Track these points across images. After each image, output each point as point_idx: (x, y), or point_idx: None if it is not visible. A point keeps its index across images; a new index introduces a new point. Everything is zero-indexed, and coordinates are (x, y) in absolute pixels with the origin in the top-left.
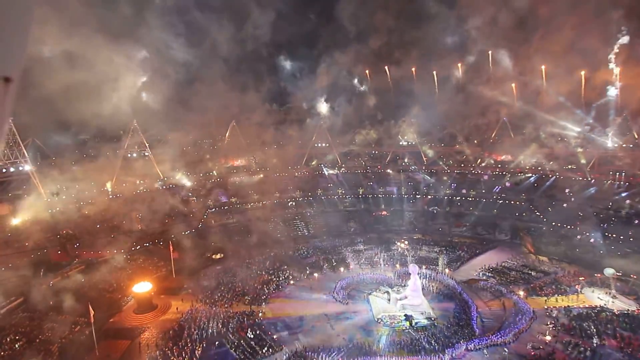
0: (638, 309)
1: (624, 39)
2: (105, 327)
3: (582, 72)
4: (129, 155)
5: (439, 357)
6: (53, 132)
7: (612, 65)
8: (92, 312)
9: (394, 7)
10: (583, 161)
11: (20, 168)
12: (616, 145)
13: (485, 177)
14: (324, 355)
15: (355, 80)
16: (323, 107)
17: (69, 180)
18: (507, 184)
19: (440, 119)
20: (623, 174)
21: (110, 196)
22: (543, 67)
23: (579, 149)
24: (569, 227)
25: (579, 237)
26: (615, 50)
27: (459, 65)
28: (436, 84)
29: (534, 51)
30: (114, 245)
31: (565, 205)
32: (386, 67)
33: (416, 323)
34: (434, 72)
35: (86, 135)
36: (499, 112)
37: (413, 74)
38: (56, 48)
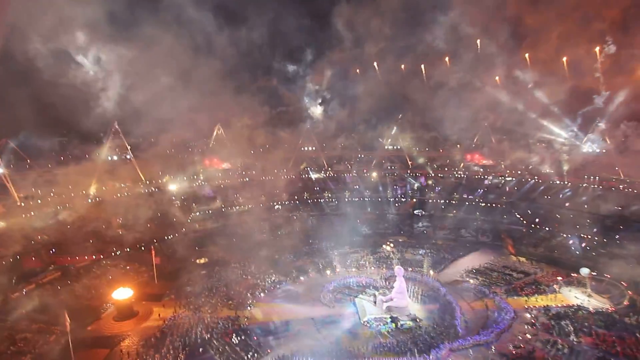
0: (612, 307)
1: (610, 48)
2: (83, 336)
3: (565, 58)
4: (109, 158)
5: (424, 358)
6: (29, 133)
7: (598, 74)
8: (68, 321)
9: (388, 12)
10: (565, 167)
11: None
12: (591, 150)
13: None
14: (310, 359)
15: (346, 82)
16: (316, 110)
17: (45, 184)
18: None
19: (426, 121)
20: (597, 178)
21: (90, 200)
22: (529, 73)
23: (565, 156)
24: (547, 229)
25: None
26: (601, 59)
27: (446, 59)
28: (424, 77)
29: (521, 59)
30: (93, 250)
31: (544, 208)
32: (375, 64)
33: (402, 325)
34: (422, 66)
35: (64, 137)
36: (485, 116)
37: (402, 71)
38: (37, 46)
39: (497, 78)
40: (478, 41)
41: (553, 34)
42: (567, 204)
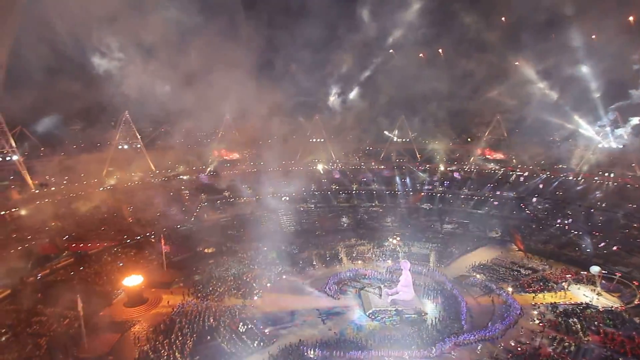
0: (621, 306)
1: None
2: (95, 320)
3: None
4: (120, 147)
5: (428, 351)
6: (43, 121)
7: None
8: (80, 305)
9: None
10: (586, 166)
11: (8, 158)
12: (607, 146)
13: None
14: (315, 350)
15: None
16: (334, 102)
17: (59, 171)
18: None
19: (440, 114)
20: (612, 174)
21: (101, 188)
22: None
23: (590, 154)
24: (557, 225)
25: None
26: None
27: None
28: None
29: (554, 50)
30: (104, 237)
31: (555, 203)
32: (391, 51)
33: (407, 318)
34: (440, 51)
35: (77, 125)
36: (505, 109)
37: (422, 61)
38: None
39: (516, 63)
40: (503, 19)
41: (587, 22)
42: (579, 200)
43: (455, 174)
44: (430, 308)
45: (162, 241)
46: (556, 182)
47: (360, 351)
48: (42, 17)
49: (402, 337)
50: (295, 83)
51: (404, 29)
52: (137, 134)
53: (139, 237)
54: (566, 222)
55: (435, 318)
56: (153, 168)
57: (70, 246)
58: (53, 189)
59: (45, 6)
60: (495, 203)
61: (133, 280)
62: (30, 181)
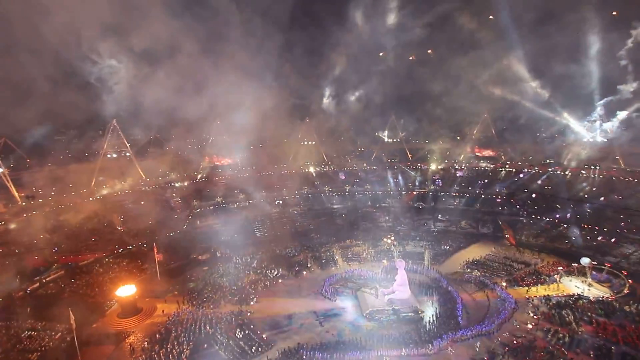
0: (612, 296)
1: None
2: (88, 333)
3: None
4: (108, 155)
5: (426, 348)
6: (28, 131)
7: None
8: (73, 318)
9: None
10: (574, 160)
11: None
12: (593, 140)
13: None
14: (313, 352)
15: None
16: (327, 104)
17: (46, 182)
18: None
19: (432, 113)
20: (598, 167)
21: (91, 198)
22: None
23: (582, 150)
24: (547, 219)
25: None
26: (629, 46)
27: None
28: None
29: (543, 46)
30: (95, 248)
31: (545, 198)
32: (381, 54)
33: (404, 317)
34: (429, 51)
35: (63, 135)
36: (494, 108)
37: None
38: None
39: (504, 63)
40: (491, 17)
41: (576, 20)
42: (567, 194)
43: (459, 173)
44: (427, 306)
45: (155, 249)
46: (544, 177)
47: (359, 352)
48: (29, 23)
49: (400, 335)
50: (288, 85)
51: (396, 31)
52: (126, 142)
53: (131, 247)
54: (556, 215)
55: (432, 315)
56: (143, 176)
57: (61, 258)
58: (40, 200)
59: (33, 11)
60: (498, 200)
61: (126, 291)
62: (16, 193)
